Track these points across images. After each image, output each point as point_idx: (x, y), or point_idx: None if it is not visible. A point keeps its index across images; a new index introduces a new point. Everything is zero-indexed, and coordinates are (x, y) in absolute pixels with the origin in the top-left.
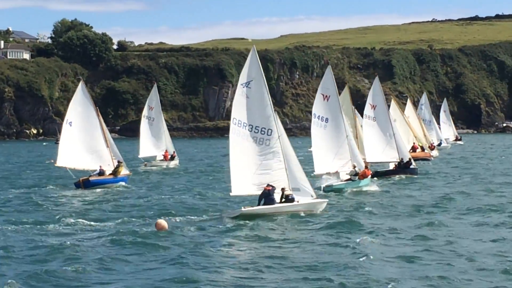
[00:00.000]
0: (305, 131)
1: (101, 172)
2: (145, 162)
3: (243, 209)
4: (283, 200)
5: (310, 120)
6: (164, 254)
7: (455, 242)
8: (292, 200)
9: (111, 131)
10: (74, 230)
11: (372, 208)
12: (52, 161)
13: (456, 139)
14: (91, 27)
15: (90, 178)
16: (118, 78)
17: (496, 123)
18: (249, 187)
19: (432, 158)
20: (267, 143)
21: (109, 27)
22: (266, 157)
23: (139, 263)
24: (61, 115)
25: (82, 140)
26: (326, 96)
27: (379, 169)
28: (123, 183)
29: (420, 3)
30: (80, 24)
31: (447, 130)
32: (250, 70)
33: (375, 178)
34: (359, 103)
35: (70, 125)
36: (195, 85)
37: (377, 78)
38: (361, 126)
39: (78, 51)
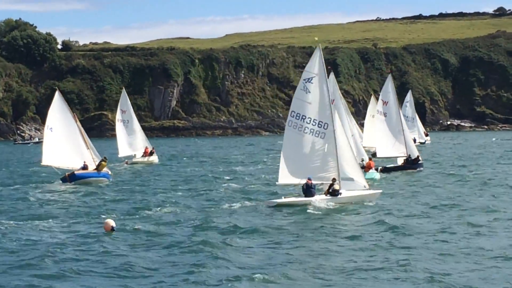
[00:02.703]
0: (251, 131)
1: (85, 167)
2: (126, 160)
3: (280, 199)
4: (330, 191)
5: (256, 120)
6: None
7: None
8: (336, 195)
9: None
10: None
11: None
12: None
13: (425, 135)
14: (35, 27)
15: (76, 172)
16: (63, 78)
17: (441, 121)
18: (297, 176)
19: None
20: (322, 136)
21: (53, 27)
22: (319, 149)
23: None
24: (6, 115)
25: (64, 144)
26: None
27: (387, 165)
28: (106, 179)
29: (364, 2)
30: (24, 24)
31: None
32: (315, 67)
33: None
34: None
35: (51, 131)
36: (140, 84)
37: (390, 76)
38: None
39: (22, 51)
